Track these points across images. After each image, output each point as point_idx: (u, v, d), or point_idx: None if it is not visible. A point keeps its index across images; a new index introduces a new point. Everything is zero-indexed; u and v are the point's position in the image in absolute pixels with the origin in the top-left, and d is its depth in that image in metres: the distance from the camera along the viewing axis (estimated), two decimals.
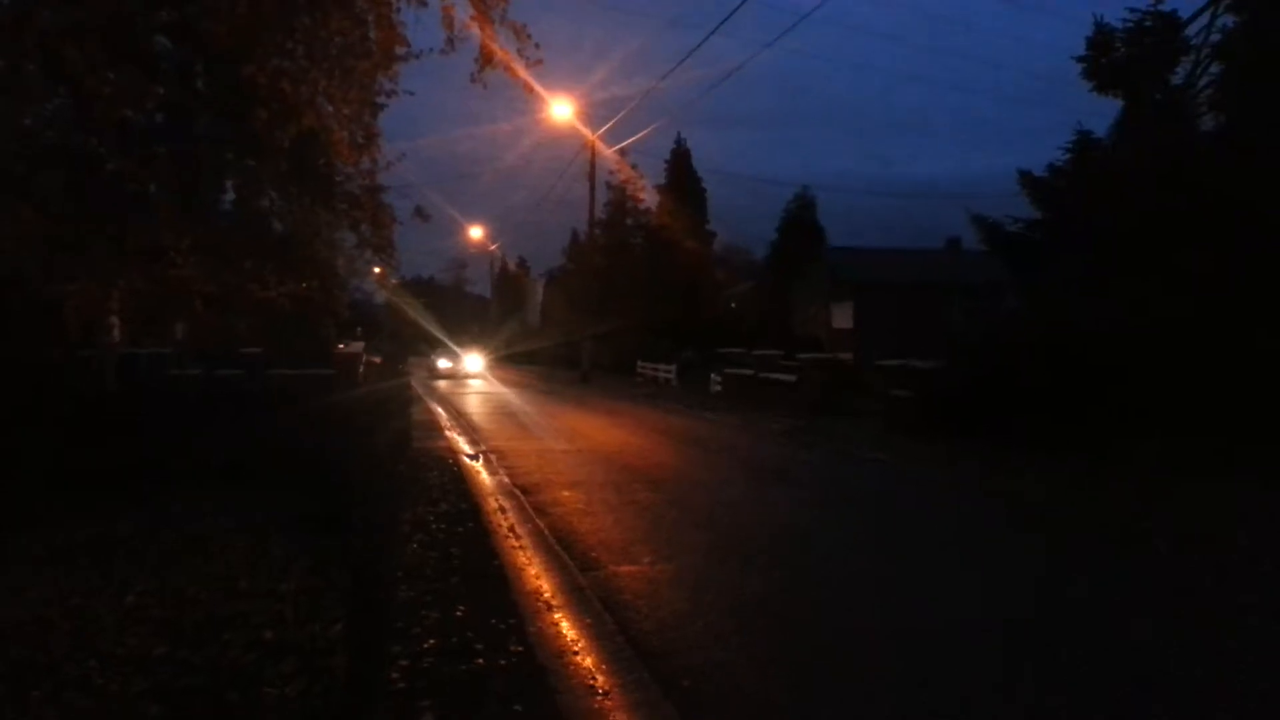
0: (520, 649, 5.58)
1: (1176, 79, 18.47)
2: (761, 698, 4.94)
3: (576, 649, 5.72)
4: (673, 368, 39.98)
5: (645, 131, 63.66)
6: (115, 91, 8.53)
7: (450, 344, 51.70)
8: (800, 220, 48.71)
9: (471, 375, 44.83)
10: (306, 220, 12.65)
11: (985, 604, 6.84)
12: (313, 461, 10.34)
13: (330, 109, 10.30)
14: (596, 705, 4.86)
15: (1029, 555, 8.64)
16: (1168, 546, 8.97)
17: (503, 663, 5.31)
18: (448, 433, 18.77)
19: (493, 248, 77.33)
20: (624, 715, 4.74)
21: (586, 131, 38.51)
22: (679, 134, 52.10)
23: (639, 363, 43.81)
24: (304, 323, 19.49)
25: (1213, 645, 5.88)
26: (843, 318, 39.33)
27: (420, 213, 13.52)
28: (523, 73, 10.15)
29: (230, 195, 13.41)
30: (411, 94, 11.00)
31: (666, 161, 51.85)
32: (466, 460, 14.52)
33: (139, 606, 5.98)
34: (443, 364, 46.45)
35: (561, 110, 35.27)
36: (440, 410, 24.52)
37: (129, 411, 12.10)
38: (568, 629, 6.12)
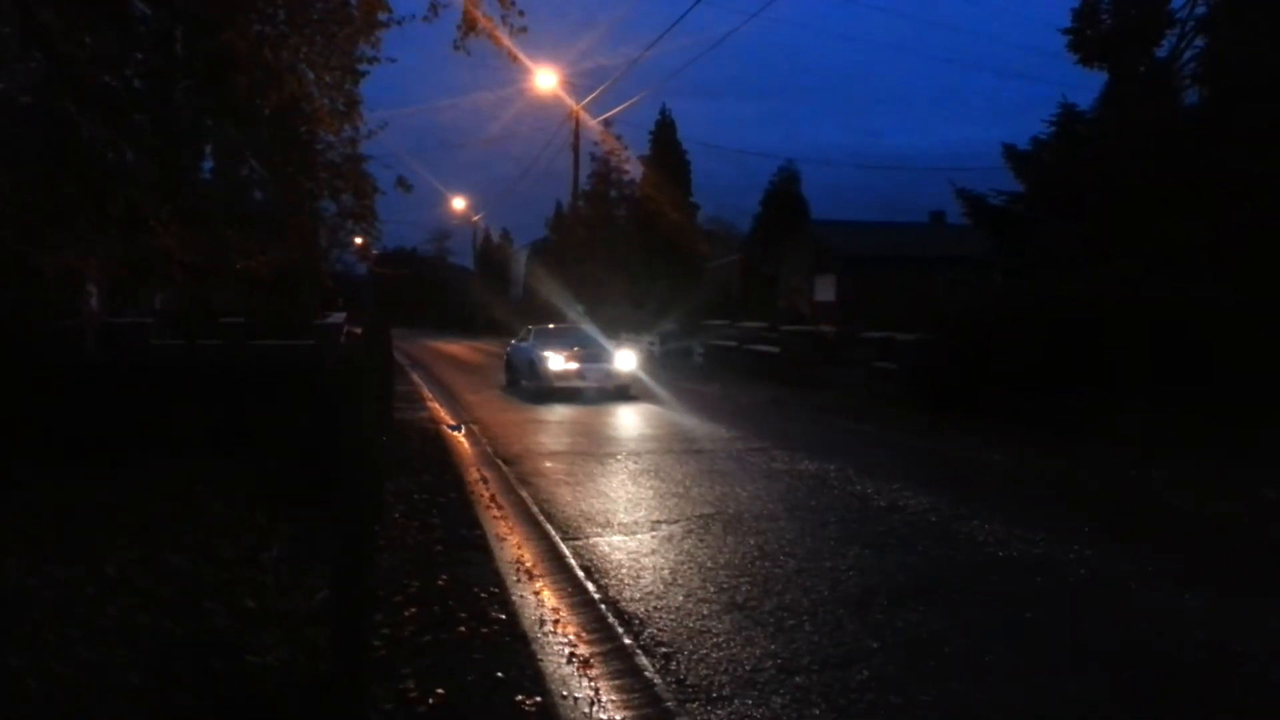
0: (503, 617, 5.62)
1: (1161, 52, 18.52)
2: (744, 665, 4.99)
3: (558, 617, 5.76)
4: (655, 338, 39.95)
5: (629, 102, 63.13)
6: (93, 56, 8.42)
7: (584, 319, 30.28)
8: (784, 193, 48.55)
9: (621, 381, 21.10)
10: (288, 189, 12.55)
11: (963, 574, 6.91)
12: (295, 431, 10.31)
13: (311, 76, 10.22)
14: (578, 672, 4.90)
15: (1003, 524, 8.72)
16: (1147, 521, 9.10)
17: (485, 631, 5.35)
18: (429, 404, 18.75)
19: (476, 219, 76.74)
20: (605, 682, 4.79)
21: (571, 101, 38.18)
22: (663, 105, 51.78)
23: (621, 334, 43.72)
24: (286, 293, 19.41)
25: (1189, 626, 5.98)
26: (826, 291, 39.41)
27: (402, 182, 13.38)
28: (506, 41, 10.08)
29: (210, 163, 13.30)
30: (393, 61, 10.94)
31: (651, 133, 51.48)
32: (448, 431, 14.53)
33: (121, 575, 5.96)
34: (556, 363, 20.32)
35: (545, 80, 34.91)
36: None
37: (109, 380, 12.01)
38: (549, 597, 6.17)
